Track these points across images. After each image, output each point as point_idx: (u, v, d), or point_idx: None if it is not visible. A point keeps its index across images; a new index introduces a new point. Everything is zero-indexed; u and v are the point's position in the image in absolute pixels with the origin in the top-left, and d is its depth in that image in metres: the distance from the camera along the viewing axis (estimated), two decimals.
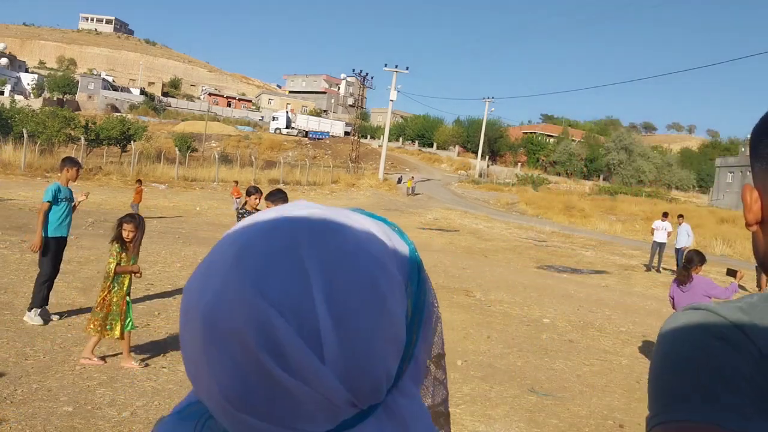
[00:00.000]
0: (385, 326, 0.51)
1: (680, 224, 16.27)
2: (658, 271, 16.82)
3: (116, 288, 5.47)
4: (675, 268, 16.87)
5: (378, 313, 0.51)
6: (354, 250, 0.51)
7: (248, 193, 7.57)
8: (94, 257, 9.93)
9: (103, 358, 5.60)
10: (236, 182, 22.58)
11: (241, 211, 7.51)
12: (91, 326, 5.37)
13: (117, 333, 5.41)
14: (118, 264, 5.44)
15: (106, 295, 5.41)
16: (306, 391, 0.48)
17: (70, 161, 6.83)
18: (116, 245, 5.47)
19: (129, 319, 5.55)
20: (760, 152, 0.87)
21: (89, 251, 10.37)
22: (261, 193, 7.76)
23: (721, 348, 0.69)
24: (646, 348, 8.57)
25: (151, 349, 6.03)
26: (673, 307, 6.75)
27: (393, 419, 0.53)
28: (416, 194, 36.16)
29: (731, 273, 8.94)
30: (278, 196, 5.88)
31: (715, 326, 0.71)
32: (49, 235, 6.56)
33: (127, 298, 5.55)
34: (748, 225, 0.87)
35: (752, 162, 0.90)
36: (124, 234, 5.45)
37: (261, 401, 0.49)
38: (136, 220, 5.55)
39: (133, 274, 5.58)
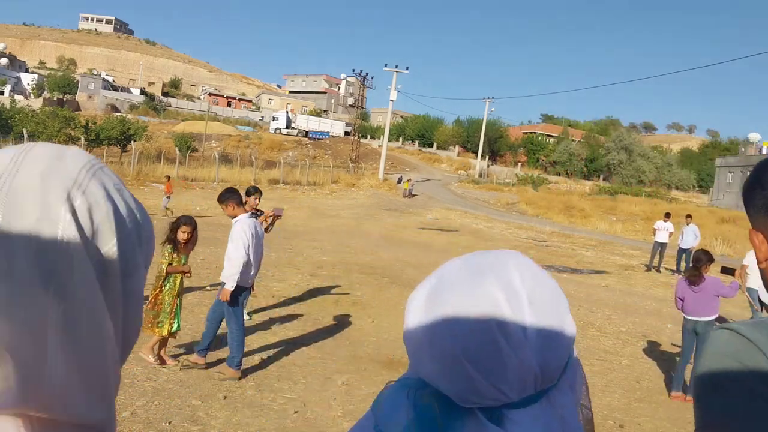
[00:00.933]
0: (565, 334, 0.75)
1: (688, 224, 16.23)
2: (658, 270, 16.82)
3: (168, 287, 5.65)
4: (675, 268, 16.89)
5: (561, 322, 0.75)
6: (545, 277, 0.78)
7: (248, 193, 7.56)
8: None
9: (162, 360, 5.67)
10: (168, 177, 21.13)
11: None
12: (145, 325, 5.49)
13: (165, 331, 5.55)
14: (169, 264, 5.66)
15: (157, 294, 5.58)
16: (514, 361, 0.71)
17: None
18: (168, 246, 5.72)
19: (177, 319, 5.69)
20: (756, 202, 0.96)
21: None
22: (261, 193, 7.75)
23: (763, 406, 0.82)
24: (646, 348, 8.57)
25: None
26: (682, 309, 6.54)
27: (552, 408, 0.73)
28: (414, 195, 35.34)
29: (727, 271, 8.93)
30: (227, 197, 5.75)
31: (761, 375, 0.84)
32: None
33: (178, 298, 5.72)
34: (758, 262, 0.98)
35: (748, 210, 1.00)
36: (181, 236, 5.75)
37: (487, 361, 0.71)
38: (192, 222, 5.88)
39: (183, 274, 5.80)
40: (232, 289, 5.51)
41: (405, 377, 0.80)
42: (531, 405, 0.73)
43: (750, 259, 16.66)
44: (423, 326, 0.76)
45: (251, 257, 5.67)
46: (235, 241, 5.60)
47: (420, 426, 0.72)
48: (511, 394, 0.72)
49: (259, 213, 7.61)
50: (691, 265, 6.54)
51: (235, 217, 5.74)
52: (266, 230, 7.64)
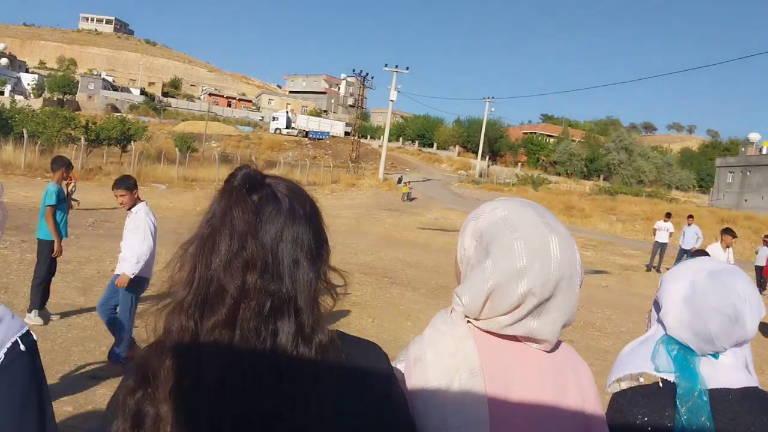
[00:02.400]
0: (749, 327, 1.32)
1: (689, 225, 16.23)
2: (658, 271, 16.82)
3: None
4: None
5: (756, 318, 1.32)
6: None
7: None
8: (95, 257, 9.93)
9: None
10: (71, 165, 20.12)
11: None
12: None
13: None
14: None
15: None
16: (740, 334, 1.33)
17: (61, 161, 6.69)
18: None
19: None
20: None
21: (89, 251, 10.37)
22: None
23: None
24: None
25: None
26: None
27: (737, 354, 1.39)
28: (413, 199, 34.42)
29: None
30: (121, 185, 5.43)
31: None
32: (49, 238, 6.46)
33: None
34: None
35: None
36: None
37: (726, 336, 1.33)
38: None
39: None
40: (133, 276, 5.30)
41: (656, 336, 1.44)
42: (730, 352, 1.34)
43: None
44: (686, 313, 1.34)
45: (155, 247, 5.49)
46: (142, 231, 5.38)
47: (679, 361, 1.33)
48: (727, 348, 1.32)
49: None
50: None
51: (133, 206, 5.49)
52: None
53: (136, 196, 5.53)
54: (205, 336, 0.87)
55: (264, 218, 0.92)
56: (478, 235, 1.17)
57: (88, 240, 11.53)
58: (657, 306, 1.46)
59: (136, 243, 5.36)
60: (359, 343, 1.01)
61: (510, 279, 1.07)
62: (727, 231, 10.64)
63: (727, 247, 10.49)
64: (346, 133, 74.97)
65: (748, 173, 49.92)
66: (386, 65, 46.07)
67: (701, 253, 6.88)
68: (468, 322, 1.13)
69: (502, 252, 1.10)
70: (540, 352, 1.16)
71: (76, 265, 9.18)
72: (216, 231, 0.92)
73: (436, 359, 1.07)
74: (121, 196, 5.42)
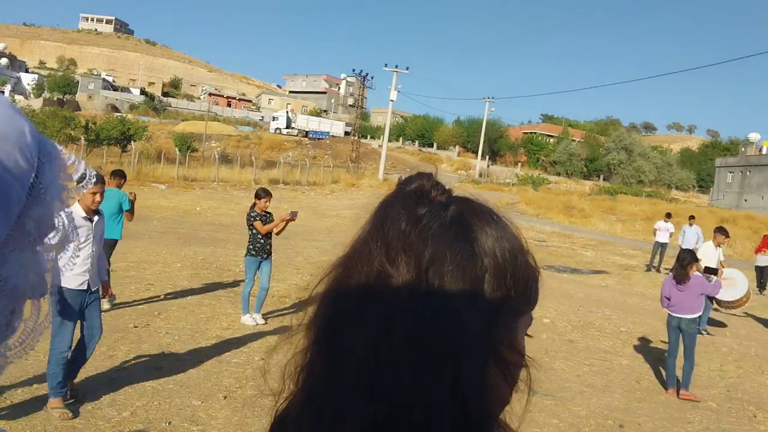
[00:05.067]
0: None
1: (690, 225, 16.24)
2: (658, 271, 16.82)
3: None
4: None
5: None
6: None
7: (257, 196, 7.49)
8: None
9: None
10: None
11: (251, 214, 7.45)
12: None
13: None
14: None
15: None
16: None
17: (122, 173, 7.89)
18: None
19: None
20: None
21: None
22: (270, 195, 7.63)
23: None
24: (646, 348, 8.57)
25: (151, 350, 6.03)
26: (667, 307, 6.74)
27: None
28: None
29: (710, 271, 9.19)
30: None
31: None
32: (119, 237, 7.49)
33: None
34: None
35: None
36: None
37: None
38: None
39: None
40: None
41: None
42: None
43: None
44: None
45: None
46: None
47: None
48: None
49: (269, 215, 7.56)
50: (679, 264, 6.66)
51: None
52: (277, 233, 7.57)
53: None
54: None
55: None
56: None
57: None
58: None
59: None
60: None
61: None
62: (720, 230, 10.70)
63: (719, 245, 10.53)
64: (346, 133, 74.94)
65: (748, 173, 49.92)
66: (386, 65, 46.09)
67: (687, 252, 6.96)
68: None
69: None
70: None
71: None
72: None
73: None
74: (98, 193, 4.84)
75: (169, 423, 4.51)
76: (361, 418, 0.57)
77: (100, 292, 4.96)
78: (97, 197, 4.75)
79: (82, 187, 0.55)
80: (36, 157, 0.49)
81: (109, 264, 6.91)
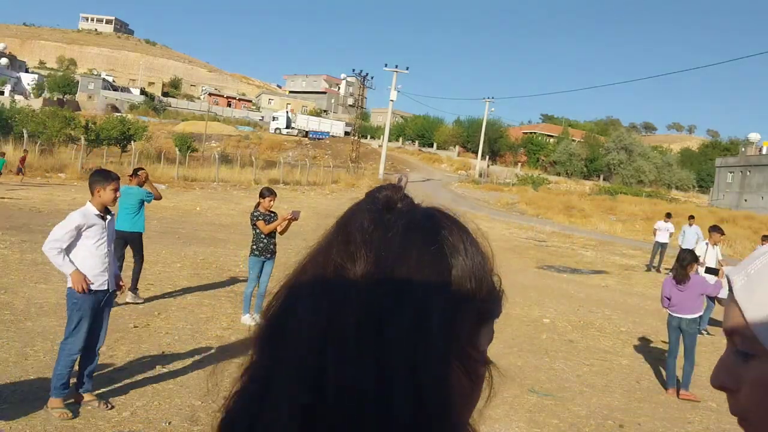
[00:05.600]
0: None
1: (690, 225, 16.24)
2: (658, 271, 16.82)
3: None
4: None
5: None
6: None
7: (261, 195, 7.49)
8: None
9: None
10: (26, 151, 25.76)
11: (255, 214, 7.45)
12: None
13: None
14: None
15: None
16: None
17: (139, 169, 8.37)
18: None
19: None
20: None
21: None
22: (275, 195, 7.63)
23: None
24: (646, 348, 8.57)
25: (151, 350, 6.03)
26: (667, 307, 6.75)
27: None
28: None
29: (711, 271, 9.19)
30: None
31: None
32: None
33: None
34: None
35: None
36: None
37: None
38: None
39: None
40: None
41: None
42: None
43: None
44: None
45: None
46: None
47: None
48: None
49: (273, 215, 7.56)
50: (679, 264, 6.67)
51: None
52: (281, 233, 7.56)
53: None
54: None
55: None
56: None
57: None
58: None
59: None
60: None
61: None
62: (715, 228, 10.71)
63: (715, 244, 10.53)
64: (346, 133, 74.95)
65: (748, 173, 49.92)
66: (386, 65, 46.16)
67: (687, 252, 6.95)
68: None
69: None
70: None
71: None
72: None
73: None
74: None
75: (169, 423, 4.51)
76: (295, 405, 0.54)
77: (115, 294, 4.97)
78: (117, 193, 4.77)
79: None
80: None
81: (139, 259, 7.99)
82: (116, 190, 4.73)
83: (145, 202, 8.05)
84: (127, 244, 7.84)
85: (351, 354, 0.55)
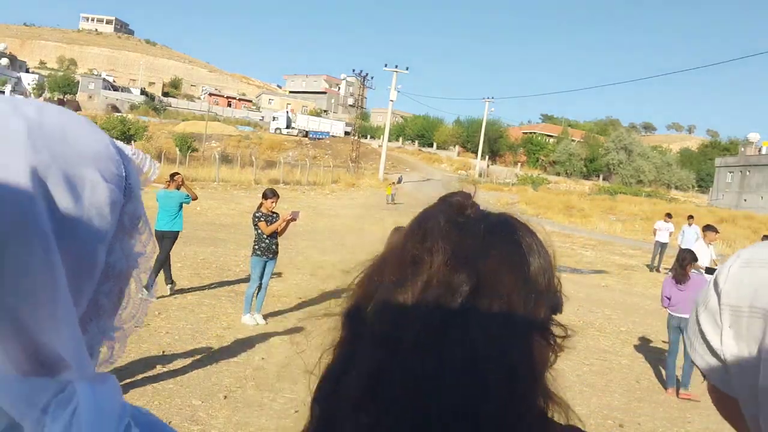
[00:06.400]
0: None
1: (690, 225, 16.26)
2: (657, 270, 16.83)
3: None
4: None
5: None
6: None
7: (264, 196, 7.51)
8: None
9: None
10: None
11: (257, 214, 7.46)
12: None
13: None
14: None
15: None
16: None
17: (176, 173, 9.04)
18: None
19: None
20: None
21: None
22: (277, 196, 7.65)
23: None
24: (645, 348, 8.58)
25: (152, 350, 6.04)
26: (667, 307, 6.79)
27: None
28: (396, 203, 30.55)
29: (711, 271, 9.21)
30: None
31: None
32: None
33: None
34: None
35: None
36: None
37: None
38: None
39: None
40: None
41: None
42: None
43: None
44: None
45: None
46: None
47: None
48: None
49: (275, 215, 7.57)
50: (678, 264, 6.69)
51: None
52: (280, 234, 7.57)
53: None
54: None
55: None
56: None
57: None
58: None
59: None
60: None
61: None
62: (710, 227, 10.74)
63: (710, 243, 10.54)
64: (346, 133, 74.98)
65: (748, 173, 49.94)
66: (386, 65, 46.16)
67: (686, 251, 6.97)
68: None
69: None
70: None
71: None
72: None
73: None
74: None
75: (169, 423, 4.51)
76: (371, 372, 0.65)
77: None
78: None
79: (149, 178, 0.64)
80: (121, 162, 0.58)
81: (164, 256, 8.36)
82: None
83: (184, 204, 8.68)
84: (163, 242, 8.40)
85: (436, 329, 0.63)
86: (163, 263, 8.34)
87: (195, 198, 9.06)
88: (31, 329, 0.48)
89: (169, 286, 8.36)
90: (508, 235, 0.71)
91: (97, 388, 0.51)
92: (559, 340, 0.73)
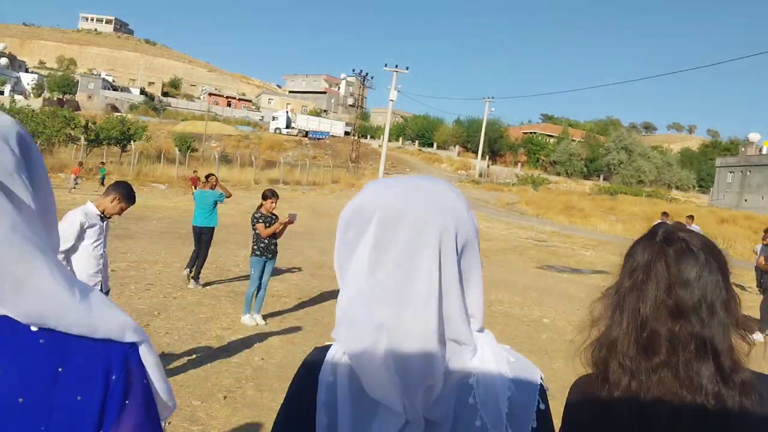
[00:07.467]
0: None
1: (689, 225, 16.24)
2: None
3: None
4: None
5: None
6: None
7: (264, 197, 7.49)
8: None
9: None
10: (80, 163, 26.26)
11: (256, 216, 7.44)
12: None
13: None
14: None
15: None
16: None
17: (211, 175, 9.87)
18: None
19: None
20: None
21: None
22: (277, 197, 7.62)
23: None
24: None
25: None
26: None
27: None
28: None
29: None
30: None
31: None
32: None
33: None
34: None
35: None
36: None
37: None
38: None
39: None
40: None
41: None
42: None
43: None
44: None
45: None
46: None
47: None
48: None
49: (274, 217, 7.55)
50: None
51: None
52: (277, 237, 7.55)
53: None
54: (647, 374, 1.06)
55: (683, 269, 1.09)
56: None
57: None
58: None
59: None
60: None
61: None
62: (689, 217, 10.88)
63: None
64: (346, 133, 74.94)
65: (748, 173, 49.90)
66: (386, 65, 46.08)
67: None
68: None
69: None
70: None
71: None
72: (643, 282, 1.12)
73: None
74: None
75: (169, 423, 4.50)
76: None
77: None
78: (121, 212, 4.65)
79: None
80: None
81: (204, 253, 9.22)
82: (123, 210, 4.63)
83: (219, 202, 9.45)
84: (201, 237, 9.23)
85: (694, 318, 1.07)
86: (205, 257, 9.17)
87: (229, 195, 9.79)
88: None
89: (191, 275, 9.08)
90: (715, 257, 1.15)
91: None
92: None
